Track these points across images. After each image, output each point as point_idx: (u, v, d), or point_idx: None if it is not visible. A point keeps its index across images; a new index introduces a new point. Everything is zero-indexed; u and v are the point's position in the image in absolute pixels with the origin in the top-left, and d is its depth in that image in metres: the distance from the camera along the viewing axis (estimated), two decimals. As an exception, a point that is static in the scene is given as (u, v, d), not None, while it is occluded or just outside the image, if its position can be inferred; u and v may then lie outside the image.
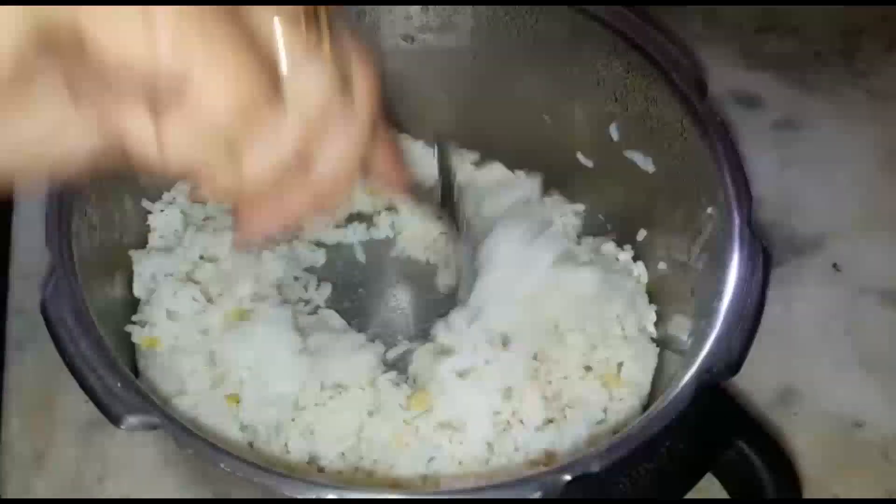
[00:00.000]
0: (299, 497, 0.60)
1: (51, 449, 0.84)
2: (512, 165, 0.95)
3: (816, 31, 1.14)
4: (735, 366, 0.65)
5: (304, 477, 0.63)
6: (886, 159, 1.04)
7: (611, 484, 0.61)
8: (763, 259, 0.69)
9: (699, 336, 0.69)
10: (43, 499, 0.82)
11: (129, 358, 0.79)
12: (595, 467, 0.58)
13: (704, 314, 0.70)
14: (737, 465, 0.65)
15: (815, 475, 0.83)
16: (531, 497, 0.59)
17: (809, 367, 0.91)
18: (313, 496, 0.60)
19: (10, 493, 0.82)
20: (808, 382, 0.90)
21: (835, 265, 0.97)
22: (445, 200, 0.84)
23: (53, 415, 0.85)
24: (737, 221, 0.71)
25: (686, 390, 0.63)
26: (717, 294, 0.69)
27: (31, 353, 0.87)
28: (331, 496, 0.60)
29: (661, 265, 0.85)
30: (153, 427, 0.61)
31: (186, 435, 0.61)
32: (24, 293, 0.90)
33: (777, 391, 0.89)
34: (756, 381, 0.86)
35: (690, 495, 0.68)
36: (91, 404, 0.63)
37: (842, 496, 0.83)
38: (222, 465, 0.59)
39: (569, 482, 0.58)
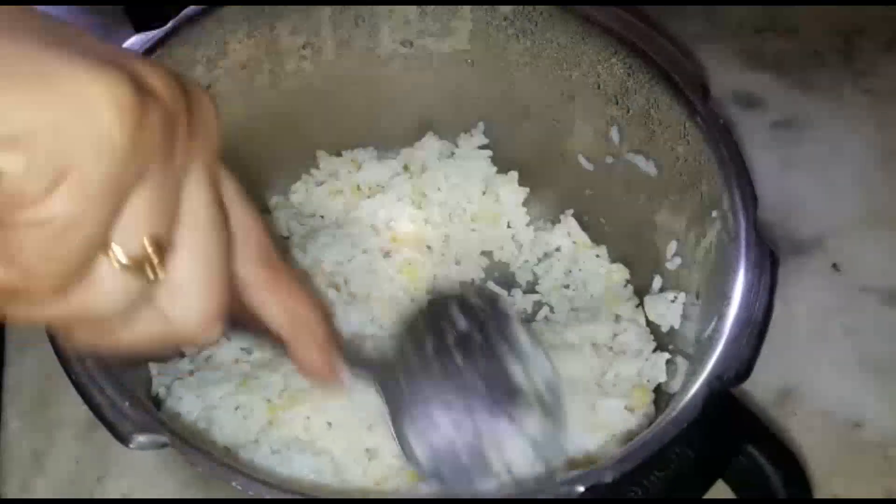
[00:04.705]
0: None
1: (51, 449, 0.83)
2: (507, 169, 0.95)
3: (816, 31, 1.14)
4: (745, 372, 0.64)
5: (317, 496, 0.63)
6: (886, 159, 1.04)
7: (623, 492, 0.61)
8: (771, 263, 0.69)
9: (707, 342, 0.69)
10: (43, 499, 0.81)
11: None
12: (608, 477, 0.58)
13: (711, 319, 0.70)
14: (747, 470, 0.65)
15: (815, 475, 0.82)
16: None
17: (809, 367, 0.91)
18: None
19: (10, 493, 0.81)
20: (807, 382, 0.90)
21: (835, 265, 0.97)
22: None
23: (53, 415, 0.85)
24: (743, 225, 0.71)
25: (696, 398, 0.63)
26: (725, 299, 0.68)
27: (31, 353, 0.87)
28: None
29: (666, 268, 0.85)
30: (162, 446, 0.60)
31: (196, 453, 0.61)
32: (24, 293, 0.89)
33: (777, 391, 0.89)
34: (756, 381, 0.85)
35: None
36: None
37: (842, 496, 0.84)
38: (234, 484, 0.59)
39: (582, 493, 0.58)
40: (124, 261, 0.43)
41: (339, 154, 0.96)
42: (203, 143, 0.45)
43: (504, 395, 0.72)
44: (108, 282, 0.43)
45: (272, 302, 0.55)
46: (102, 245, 0.42)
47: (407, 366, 0.72)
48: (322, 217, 0.93)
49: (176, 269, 0.46)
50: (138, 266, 0.43)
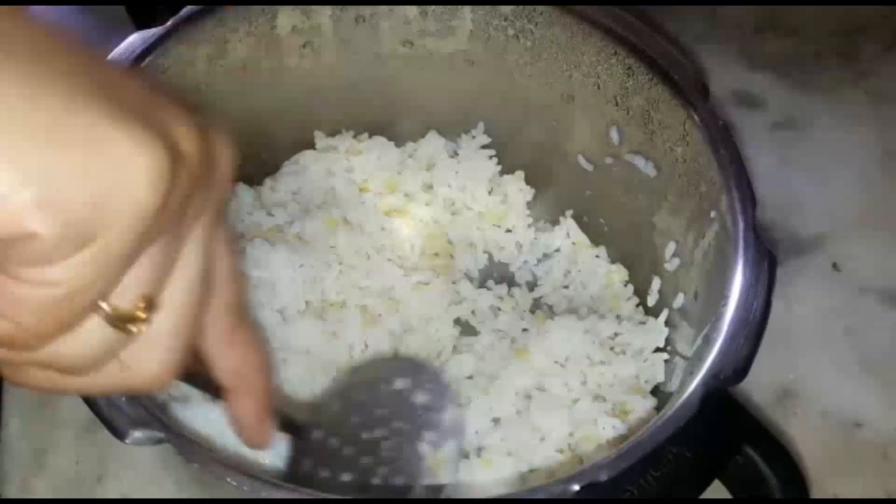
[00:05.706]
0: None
1: (51, 449, 0.84)
2: (510, 170, 0.95)
3: (816, 31, 1.14)
4: (742, 372, 0.64)
5: (313, 493, 0.63)
6: (886, 159, 1.05)
7: (618, 492, 0.61)
8: (769, 263, 0.69)
9: (705, 341, 0.69)
10: (43, 499, 0.82)
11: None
12: (603, 476, 0.58)
13: (709, 319, 0.70)
14: (744, 470, 0.65)
15: (815, 475, 0.83)
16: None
17: (809, 367, 0.91)
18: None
19: (10, 493, 0.81)
20: (808, 382, 0.90)
21: (835, 265, 0.97)
22: None
23: (53, 415, 0.85)
24: (741, 226, 0.71)
25: (693, 397, 0.63)
26: (723, 299, 0.68)
27: (31, 354, 0.87)
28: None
29: (665, 269, 0.85)
30: (158, 441, 0.60)
31: (193, 449, 0.61)
32: (24, 293, 0.89)
33: (777, 391, 0.89)
34: (756, 382, 0.86)
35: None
36: (90, 405, 0.63)
37: (842, 496, 0.84)
38: (229, 480, 0.59)
39: (577, 491, 0.57)
40: (112, 316, 0.41)
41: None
42: (215, 196, 0.44)
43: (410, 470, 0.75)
44: (90, 335, 0.42)
45: (226, 355, 0.54)
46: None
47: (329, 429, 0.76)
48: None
49: (152, 323, 0.44)
50: (124, 321, 0.42)
